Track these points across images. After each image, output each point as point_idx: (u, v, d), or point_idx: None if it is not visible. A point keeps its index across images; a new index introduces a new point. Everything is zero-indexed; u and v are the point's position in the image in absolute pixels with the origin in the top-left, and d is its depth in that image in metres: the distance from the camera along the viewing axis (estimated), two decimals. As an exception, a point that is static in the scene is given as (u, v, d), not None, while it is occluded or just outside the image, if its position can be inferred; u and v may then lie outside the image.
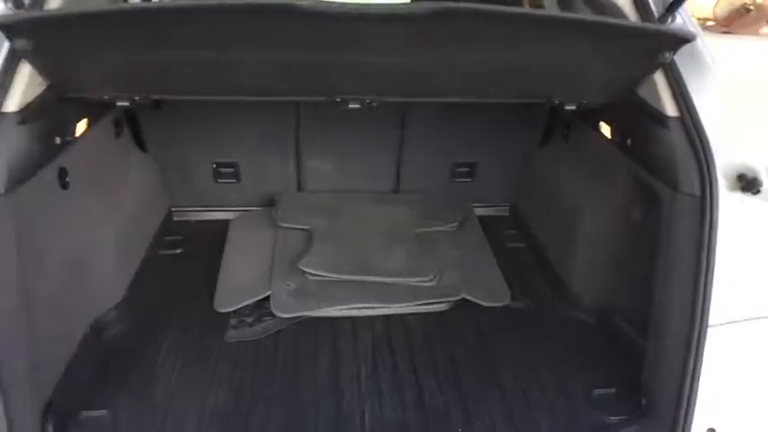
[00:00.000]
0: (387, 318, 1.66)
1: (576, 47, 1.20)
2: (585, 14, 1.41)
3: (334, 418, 1.33)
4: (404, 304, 1.68)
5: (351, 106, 1.38)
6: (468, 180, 2.19)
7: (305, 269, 1.72)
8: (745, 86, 1.38)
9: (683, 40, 1.15)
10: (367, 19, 1.01)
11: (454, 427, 1.33)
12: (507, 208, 2.25)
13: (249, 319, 1.63)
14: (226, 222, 2.06)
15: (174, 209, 2.11)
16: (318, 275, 1.72)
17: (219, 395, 1.38)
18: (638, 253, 1.51)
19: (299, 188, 2.16)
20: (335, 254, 1.80)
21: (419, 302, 1.69)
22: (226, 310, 1.65)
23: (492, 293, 1.76)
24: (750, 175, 1.24)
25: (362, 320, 1.65)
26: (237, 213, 2.11)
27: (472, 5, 0.98)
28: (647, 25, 1.23)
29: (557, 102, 1.44)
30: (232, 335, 1.57)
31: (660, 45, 1.18)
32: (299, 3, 0.96)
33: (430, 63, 1.23)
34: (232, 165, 2.08)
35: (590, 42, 1.18)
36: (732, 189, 1.23)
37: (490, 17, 1.02)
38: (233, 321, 1.62)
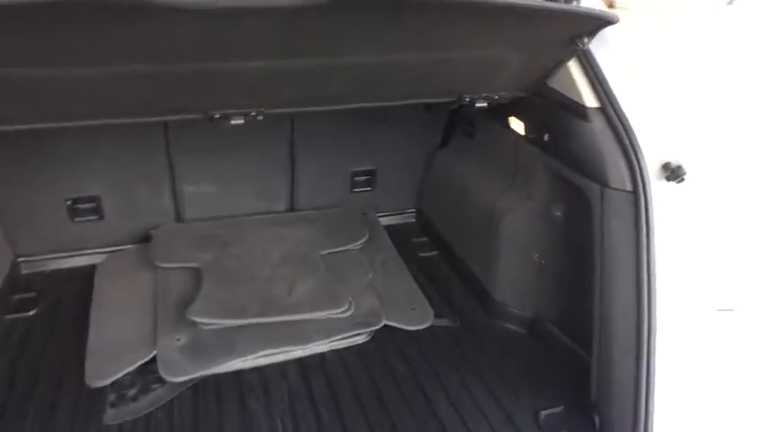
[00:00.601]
0: (301, 361, 1.44)
1: (496, 35, 1.05)
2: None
3: None
4: (319, 342, 1.46)
5: (233, 122, 1.14)
6: (369, 189, 2.01)
7: (195, 318, 1.44)
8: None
9: (606, 22, 1.04)
10: (253, 13, 0.79)
11: None
12: (413, 214, 2.11)
13: (132, 392, 1.31)
14: (90, 268, 1.71)
15: (21, 259, 1.72)
16: (213, 323, 1.44)
17: None
18: (564, 254, 1.42)
19: (178, 218, 1.85)
20: (231, 294, 1.53)
21: (336, 338, 1.48)
22: (101, 384, 1.31)
23: (414, 315, 1.59)
24: (674, 163, 1.19)
25: (273, 369, 1.41)
26: (104, 256, 1.76)
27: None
28: (573, 7, 1.11)
29: (467, 99, 1.30)
30: (112, 415, 1.26)
31: (581, 29, 1.07)
32: None
33: (328, 65, 1.02)
34: (92, 199, 1.72)
35: (512, 29, 1.04)
36: (658, 179, 1.17)
37: (401, 6, 0.84)
38: (112, 397, 1.30)
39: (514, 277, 1.56)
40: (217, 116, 1.12)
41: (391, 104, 1.33)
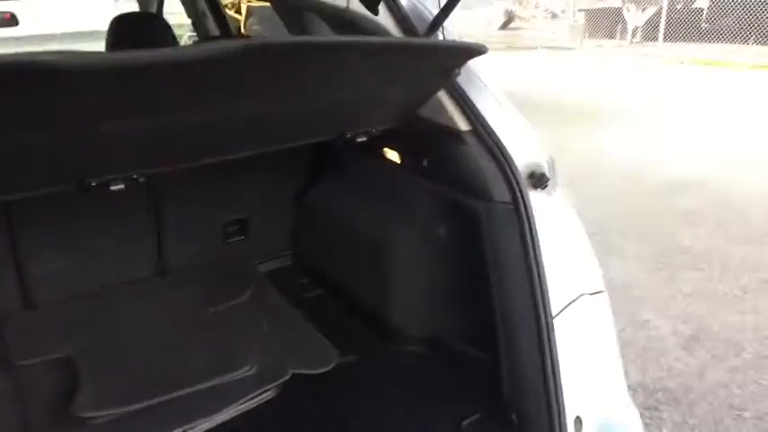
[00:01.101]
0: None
1: (383, 73, 1.11)
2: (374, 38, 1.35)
3: None
4: (227, 409, 1.37)
5: (113, 188, 1.04)
6: (242, 238, 1.95)
7: (84, 414, 1.26)
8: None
9: (479, 53, 1.16)
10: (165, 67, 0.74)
11: None
12: (289, 256, 2.08)
13: None
14: None
15: None
16: (104, 415, 1.28)
17: None
18: (455, 270, 1.51)
19: (27, 305, 1.61)
20: (116, 379, 1.38)
21: (245, 399, 1.40)
22: None
23: (318, 357, 1.57)
24: (538, 171, 1.34)
25: (184, 448, 1.29)
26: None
27: (292, 40, 0.79)
28: (453, 42, 1.21)
29: (348, 136, 1.34)
30: None
31: (458, 61, 1.18)
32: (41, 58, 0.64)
33: (223, 116, 0.98)
34: None
35: (398, 66, 1.11)
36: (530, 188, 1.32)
37: (317, 50, 0.85)
38: None
39: (408, 300, 1.62)
40: (93, 184, 1.01)
41: (271, 149, 1.32)
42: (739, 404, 2.07)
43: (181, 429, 1.30)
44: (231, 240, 1.92)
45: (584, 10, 13.26)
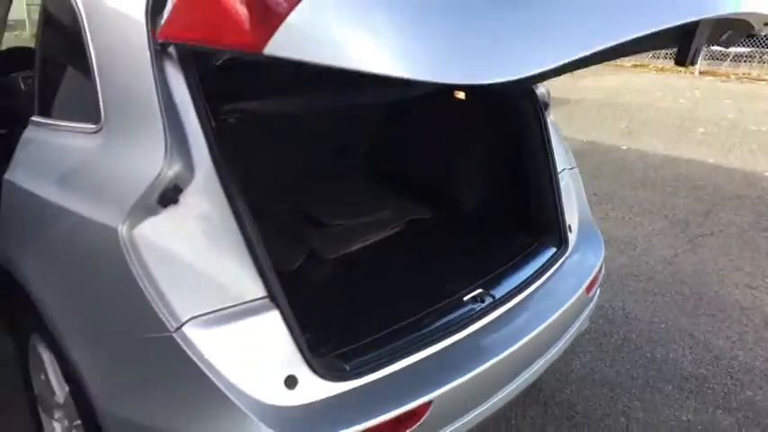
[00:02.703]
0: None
1: None
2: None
3: None
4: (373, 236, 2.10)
5: None
6: None
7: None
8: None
9: None
10: None
11: None
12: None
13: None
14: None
15: None
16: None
17: None
18: (500, 154, 2.33)
19: None
20: None
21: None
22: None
23: (417, 211, 2.35)
24: (543, 99, 2.23)
25: None
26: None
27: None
28: None
29: None
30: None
31: None
32: None
33: None
34: None
35: None
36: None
37: None
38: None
39: (469, 178, 2.44)
40: None
41: None
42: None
43: None
44: None
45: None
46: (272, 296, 1.25)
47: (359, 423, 1.24)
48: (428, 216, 2.25)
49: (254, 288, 1.25)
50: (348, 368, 1.34)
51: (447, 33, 0.90)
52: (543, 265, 1.84)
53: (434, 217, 2.25)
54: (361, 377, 1.32)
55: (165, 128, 1.16)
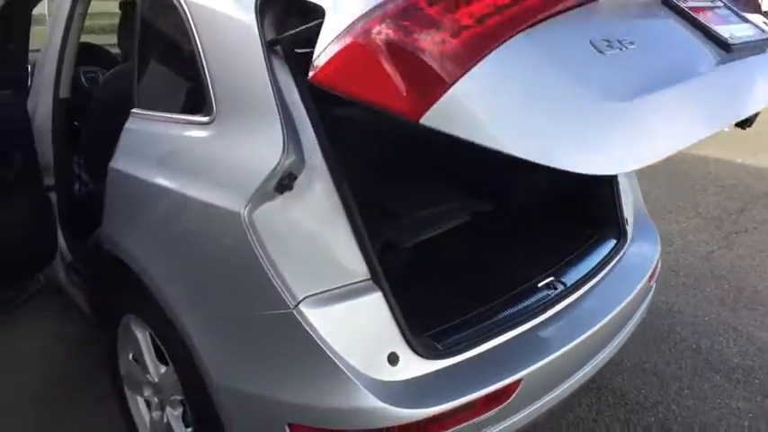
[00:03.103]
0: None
1: None
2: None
3: None
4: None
5: None
6: None
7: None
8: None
9: None
10: None
11: None
12: None
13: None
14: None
15: None
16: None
17: None
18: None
19: None
20: None
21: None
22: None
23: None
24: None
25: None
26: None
27: None
28: None
29: None
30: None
31: None
32: None
33: None
34: None
35: None
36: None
37: None
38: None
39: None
40: None
41: None
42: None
43: None
44: None
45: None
46: (374, 278, 1.34)
47: (455, 398, 1.32)
48: (491, 208, 2.32)
49: (359, 270, 1.33)
50: (441, 347, 1.42)
51: (583, 131, 1.08)
52: (606, 255, 1.92)
53: (497, 209, 2.33)
54: (454, 356, 1.41)
55: (281, 121, 1.24)
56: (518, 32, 1.09)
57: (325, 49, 1.09)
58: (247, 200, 1.25)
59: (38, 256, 2.18)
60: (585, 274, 1.79)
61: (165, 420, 1.70)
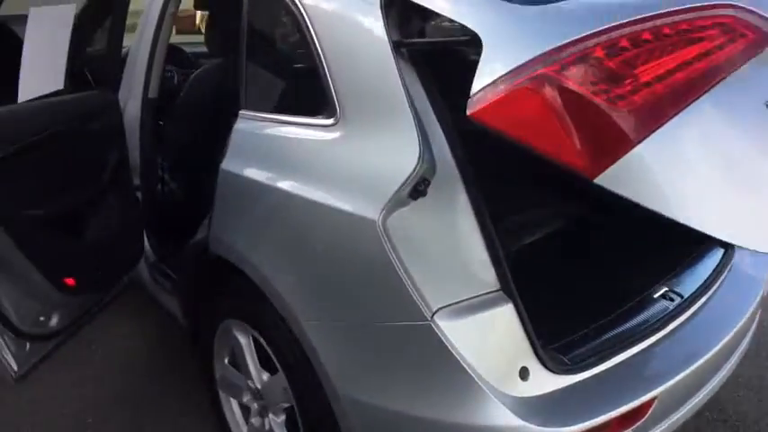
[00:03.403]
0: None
1: None
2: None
3: None
4: None
5: None
6: None
7: None
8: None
9: None
10: None
11: None
12: None
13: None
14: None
15: None
16: None
17: None
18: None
19: None
20: None
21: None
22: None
23: None
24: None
25: None
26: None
27: None
28: None
29: None
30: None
31: None
32: None
33: None
34: None
35: None
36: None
37: None
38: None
39: None
40: None
41: None
42: None
43: None
44: None
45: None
46: (505, 288, 1.28)
47: (592, 417, 1.26)
48: (591, 215, 2.25)
49: (490, 279, 1.28)
50: (569, 361, 1.36)
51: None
52: (718, 265, 1.82)
53: (595, 214, 2.25)
54: (583, 371, 1.34)
55: (416, 125, 1.20)
56: (703, 93, 1.03)
57: (489, 86, 1.03)
58: (382, 206, 1.20)
59: (128, 258, 2.18)
60: (701, 285, 1.70)
61: (268, 427, 1.68)
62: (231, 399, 1.86)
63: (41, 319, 1.95)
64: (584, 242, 2.03)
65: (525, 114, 1.03)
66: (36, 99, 1.77)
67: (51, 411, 2.17)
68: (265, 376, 1.66)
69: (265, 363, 1.65)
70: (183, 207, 2.53)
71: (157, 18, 2.13)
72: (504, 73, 1.03)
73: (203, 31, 2.72)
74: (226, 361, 1.83)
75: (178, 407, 2.19)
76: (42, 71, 1.80)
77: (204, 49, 3.76)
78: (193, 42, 3.57)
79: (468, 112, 1.06)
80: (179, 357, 2.44)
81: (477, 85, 1.05)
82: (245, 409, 1.81)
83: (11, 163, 1.58)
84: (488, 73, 1.05)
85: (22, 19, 1.98)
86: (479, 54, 1.09)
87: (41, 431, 2.10)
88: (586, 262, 1.92)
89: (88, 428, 2.11)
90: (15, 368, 1.89)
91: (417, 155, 1.17)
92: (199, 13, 3.37)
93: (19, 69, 1.77)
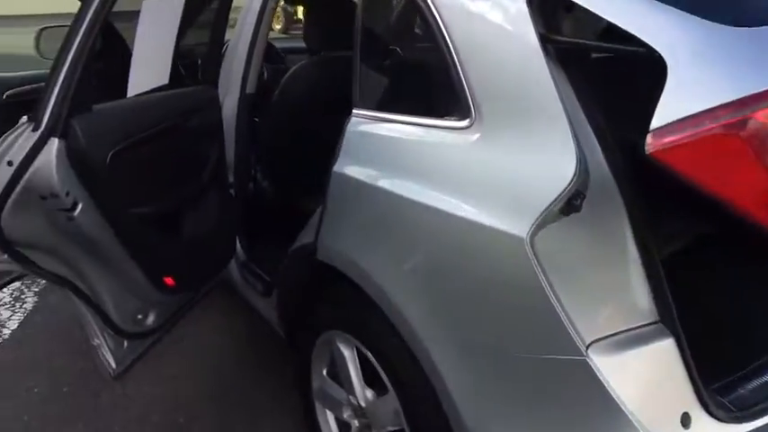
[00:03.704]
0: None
1: None
2: None
3: None
4: None
5: None
6: None
7: None
8: None
9: None
10: None
11: None
12: None
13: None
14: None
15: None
16: None
17: None
18: None
19: None
20: None
21: None
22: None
23: None
24: None
25: None
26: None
27: None
28: None
29: None
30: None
31: None
32: None
33: None
34: None
35: None
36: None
37: None
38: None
39: None
40: None
41: None
42: None
43: None
44: None
45: None
46: (666, 320, 1.11)
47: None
48: (715, 231, 2.02)
49: (647, 309, 1.11)
50: (732, 407, 1.17)
51: None
52: None
53: (720, 231, 2.02)
54: (754, 420, 1.15)
55: (573, 132, 1.05)
56: None
57: (675, 124, 0.91)
58: (532, 222, 1.06)
59: (222, 256, 2.13)
60: None
61: (370, 448, 1.57)
62: (327, 411, 1.77)
63: (139, 317, 1.92)
64: (704, 261, 1.81)
65: (720, 164, 0.93)
66: (143, 94, 1.73)
67: (143, 408, 2.15)
68: (369, 393, 1.55)
69: (369, 378, 1.54)
70: (276, 207, 2.47)
71: (258, 12, 2.07)
72: (693, 112, 0.90)
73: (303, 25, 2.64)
74: (324, 372, 1.74)
75: (271, 408, 2.13)
76: (151, 65, 1.76)
77: (290, 44, 3.70)
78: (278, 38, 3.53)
79: (647, 151, 0.93)
80: (270, 358, 2.38)
81: (657, 119, 0.92)
82: (344, 425, 1.72)
83: (121, 159, 1.54)
84: (669, 106, 0.92)
85: (121, 15, 1.96)
86: (646, 70, 0.95)
87: (134, 428, 2.09)
88: (716, 284, 1.70)
89: (179, 428, 2.08)
90: (114, 366, 1.88)
91: (575, 164, 1.02)
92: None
93: (118, 66, 1.74)
